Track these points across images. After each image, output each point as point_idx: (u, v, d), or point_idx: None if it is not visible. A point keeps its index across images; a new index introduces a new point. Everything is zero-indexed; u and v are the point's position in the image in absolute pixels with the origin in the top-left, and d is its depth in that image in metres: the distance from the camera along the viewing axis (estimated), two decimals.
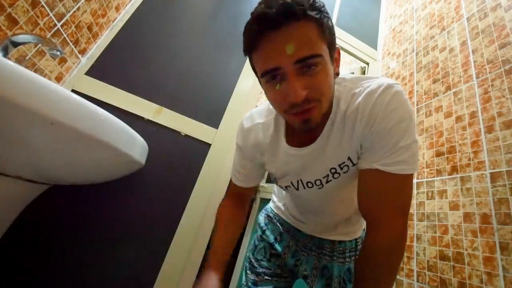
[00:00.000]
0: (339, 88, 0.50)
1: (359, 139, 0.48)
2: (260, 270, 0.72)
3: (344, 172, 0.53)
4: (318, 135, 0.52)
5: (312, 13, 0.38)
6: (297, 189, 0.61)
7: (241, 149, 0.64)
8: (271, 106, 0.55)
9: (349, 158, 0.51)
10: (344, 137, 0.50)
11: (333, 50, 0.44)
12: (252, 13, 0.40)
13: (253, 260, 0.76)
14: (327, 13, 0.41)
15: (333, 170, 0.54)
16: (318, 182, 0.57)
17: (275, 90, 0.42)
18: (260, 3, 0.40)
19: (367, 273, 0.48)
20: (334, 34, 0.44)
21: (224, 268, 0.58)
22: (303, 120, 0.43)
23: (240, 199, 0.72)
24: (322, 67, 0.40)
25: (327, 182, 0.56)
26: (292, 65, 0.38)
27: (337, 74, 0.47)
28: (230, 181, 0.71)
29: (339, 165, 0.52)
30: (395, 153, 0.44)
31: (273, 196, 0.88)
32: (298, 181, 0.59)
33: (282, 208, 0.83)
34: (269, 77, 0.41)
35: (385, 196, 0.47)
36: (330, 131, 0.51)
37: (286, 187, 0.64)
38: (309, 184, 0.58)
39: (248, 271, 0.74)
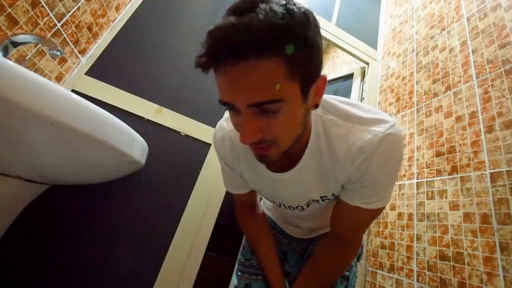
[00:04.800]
0: (324, 117, 0.47)
1: (346, 179, 0.48)
2: (252, 270, 0.71)
3: (324, 203, 0.56)
4: (297, 159, 0.49)
5: (280, 49, 0.30)
6: (280, 207, 0.64)
7: (222, 159, 0.62)
8: None
9: (333, 194, 0.53)
10: (330, 173, 0.48)
11: (312, 82, 0.36)
12: (209, 33, 0.31)
13: (243, 261, 0.74)
14: (305, 35, 0.32)
15: (315, 200, 0.56)
16: (299, 208, 0.59)
17: (234, 118, 0.39)
18: (224, 17, 0.32)
19: (323, 272, 0.57)
20: (311, 62, 0.34)
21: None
22: (258, 155, 0.40)
23: (248, 205, 0.72)
24: (284, 111, 0.34)
25: (308, 207, 0.59)
26: (246, 108, 0.33)
27: (316, 106, 0.41)
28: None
29: (321, 197, 0.54)
30: (378, 195, 0.47)
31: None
32: (280, 203, 0.62)
33: (271, 209, 0.83)
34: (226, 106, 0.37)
35: (360, 224, 0.53)
36: (312, 158, 0.49)
37: (270, 200, 0.66)
38: (291, 208, 0.61)
39: (240, 273, 0.73)
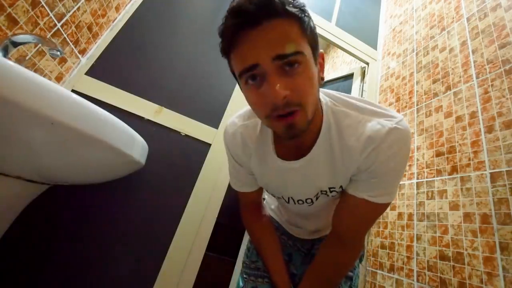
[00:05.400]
0: (334, 108, 0.49)
1: (355, 170, 0.49)
2: (258, 273, 0.70)
3: (332, 195, 0.56)
4: (308, 149, 0.50)
5: (293, 10, 0.37)
6: (288, 202, 0.63)
7: (231, 156, 0.62)
8: None
9: (340, 187, 0.53)
10: (340, 164, 0.49)
11: (316, 52, 0.42)
12: (228, 9, 0.38)
13: (248, 263, 0.74)
14: (308, 13, 0.40)
15: (323, 192, 0.55)
16: (308, 201, 0.59)
17: (255, 92, 0.39)
18: None
19: (326, 273, 0.56)
20: (316, 35, 0.42)
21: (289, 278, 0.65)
22: (287, 125, 0.40)
23: (254, 205, 0.72)
24: (305, 66, 0.38)
25: (317, 199, 0.58)
26: (272, 62, 0.36)
27: (322, 79, 0.45)
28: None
29: (329, 188, 0.54)
30: (385, 189, 0.48)
31: (265, 195, 0.86)
32: (289, 198, 0.61)
33: (275, 209, 0.82)
34: (247, 77, 0.38)
35: (363, 220, 0.52)
36: (323, 148, 0.49)
37: (277, 197, 0.66)
38: (300, 202, 0.60)
39: (245, 275, 0.72)
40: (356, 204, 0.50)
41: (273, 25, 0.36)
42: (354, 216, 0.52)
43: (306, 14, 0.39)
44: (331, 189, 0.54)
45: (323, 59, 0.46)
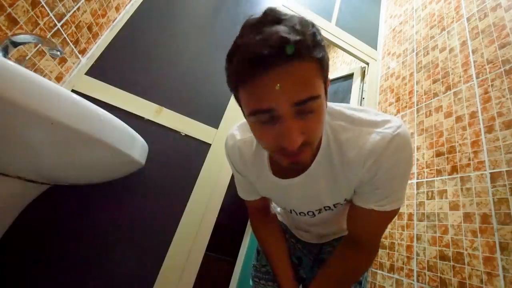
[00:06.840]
0: (331, 123, 0.48)
1: (358, 182, 0.49)
2: (269, 277, 0.71)
3: (337, 209, 0.56)
4: (306, 166, 0.50)
5: (315, 52, 0.34)
6: (290, 213, 0.64)
7: (233, 165, 0.64)
8: None
9: (345, 200, 0.53)
10: (342, 179, 0.49)
11: (327, 81, 0.40)
12: (241, 45, 0.34)
13: (258, 266, 0.75)
14: (324, 43, 0.38)
15: (326, 208, 0.56)
16: (310, 213, 0.59)
17: (265, 128, 0.37)
18: (252, 32, 0.33)
19: (339, 277, 0.56)
20: (328, 65, 0.39)
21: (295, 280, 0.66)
22: (292, 162, 0.40)
23: (260, 211, 0.73)
24: (319, 107, 0.36)
25: (319, 213, 0.58)
26: (290, 108, 0.34)
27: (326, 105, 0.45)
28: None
29: (334, 205, 0.55)
30: (391, 196, 0.47)
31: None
32: (291, 210, 0.62)
33: (282, 213, 0.83)
34: (260, 117, 0.36)
35: (376, 227, 0.53)
36: (323, 164, 0.49)
37: (281, 207, 0.67)
38: (302, 214, 0.61)
39: (256, 279, 0.73)
40: (366, 214, 0.50)
41: (293, 69, 0.32)
42: (366, 224, 0.53)
43: (325, 49, 0.37)
44: (335, 205, 0.55)
45: (328, 85, 0.44)
